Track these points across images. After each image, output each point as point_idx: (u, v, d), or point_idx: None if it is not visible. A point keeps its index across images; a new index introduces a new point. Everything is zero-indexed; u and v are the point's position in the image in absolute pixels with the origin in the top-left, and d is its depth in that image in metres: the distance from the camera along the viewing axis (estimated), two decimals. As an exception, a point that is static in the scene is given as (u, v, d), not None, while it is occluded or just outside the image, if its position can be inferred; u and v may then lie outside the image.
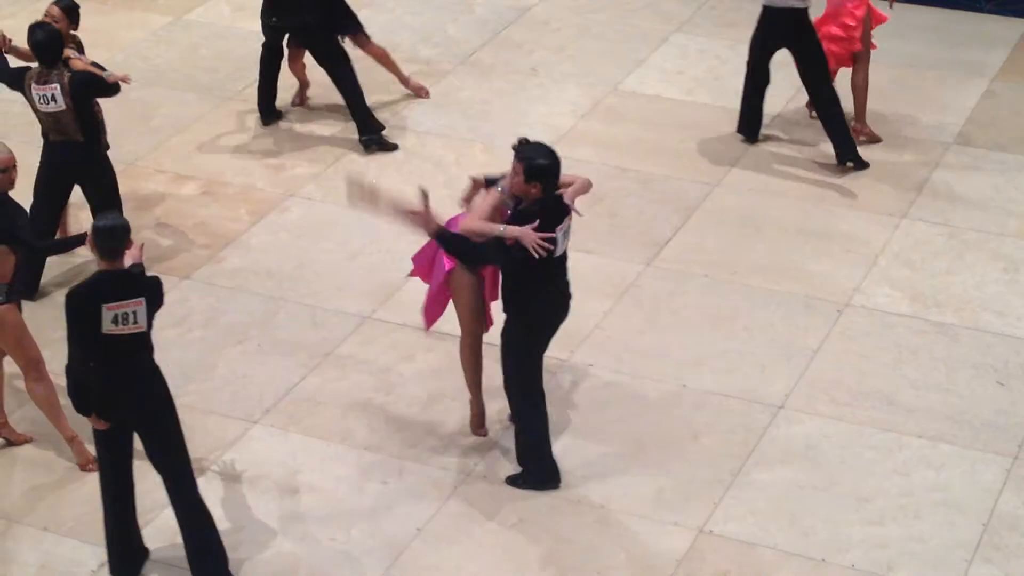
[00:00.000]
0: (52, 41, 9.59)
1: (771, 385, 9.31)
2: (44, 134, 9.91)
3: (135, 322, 7.45)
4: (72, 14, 10.13)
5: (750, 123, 11.71)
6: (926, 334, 9.73)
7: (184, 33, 13.44)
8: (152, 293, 7.55)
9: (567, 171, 10.02)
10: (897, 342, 9.66)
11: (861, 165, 11.41)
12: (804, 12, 11.10)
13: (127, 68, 12.24)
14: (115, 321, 7.41)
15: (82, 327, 7.44)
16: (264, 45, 11.82)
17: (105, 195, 10.04)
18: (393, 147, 11.68)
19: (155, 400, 7.68)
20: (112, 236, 7.41)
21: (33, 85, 9.61)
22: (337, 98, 11.99)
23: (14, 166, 8.49)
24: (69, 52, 10.03)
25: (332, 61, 11.63)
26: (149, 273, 7.76)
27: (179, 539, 8.00)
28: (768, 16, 11.24)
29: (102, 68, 10.00)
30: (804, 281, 10.22)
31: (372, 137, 11.67)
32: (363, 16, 12.82)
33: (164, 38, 13.36)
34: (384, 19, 13.63)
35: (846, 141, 11.41)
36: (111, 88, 9.78)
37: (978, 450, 8.81)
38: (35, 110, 9.77)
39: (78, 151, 9.82)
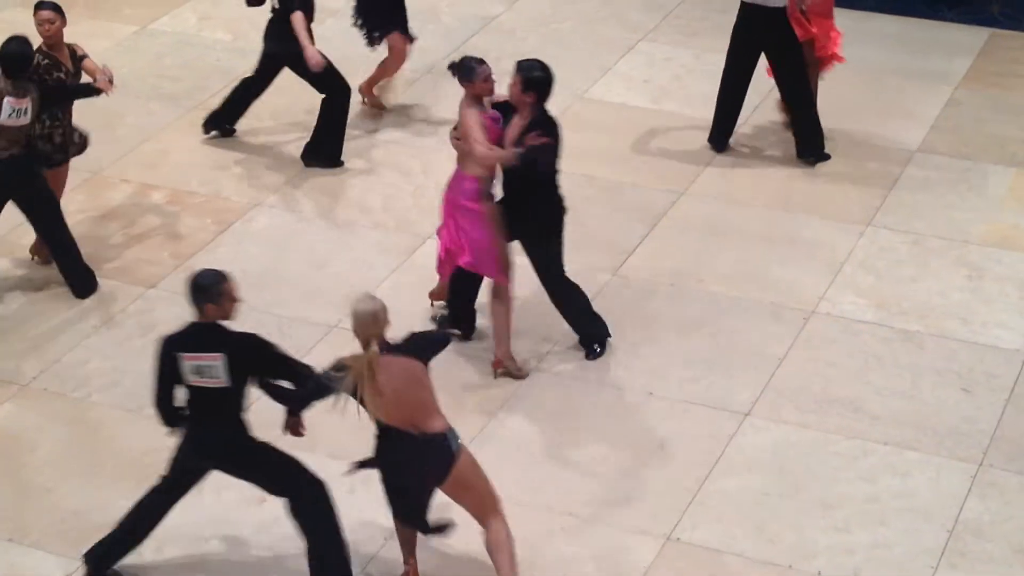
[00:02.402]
0: (26, 55, 9.57)
1: (737, 393, 9.33)
2: None
3: (214, 376, 7.47)
4: (62, 12, 10.11)
5: (719, 133, 11.71)
6: (891, 341, 9.77)
7: (149, 42, 13.40)
8: (238, 350, 7.51)
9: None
10: (862, 349, 9.70)
11: (823, 158, 11.51)
12: (782, 12, 11.11)
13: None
14: (195, 372, 7.50)
15: (166, 371, 7.61)
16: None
17: (38, 212, 9.95)
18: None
19: (235, 457, 7.75)
20: (192, 291, 7.51)
21: (8, 99, 9.49)
22: (301, 108, 12.00)
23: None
24: (80, 48, 10.14)
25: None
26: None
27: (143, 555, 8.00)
28: (746, 14, 11.23)
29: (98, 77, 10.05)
30: (770, 289, 10.25)
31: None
32: (328, 25, 12.83)
33: (129, 47, 13.33)
34: (350, 28, 13.61)
35: (810, 139, 11.48)
36: (73, 95, 9.98)
37: (943, 457, 8.85)
38: None
39: (5, 166, 9.70)
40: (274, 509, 8.44)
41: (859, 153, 11.76)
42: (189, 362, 7.50)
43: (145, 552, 8.17)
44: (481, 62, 9.23)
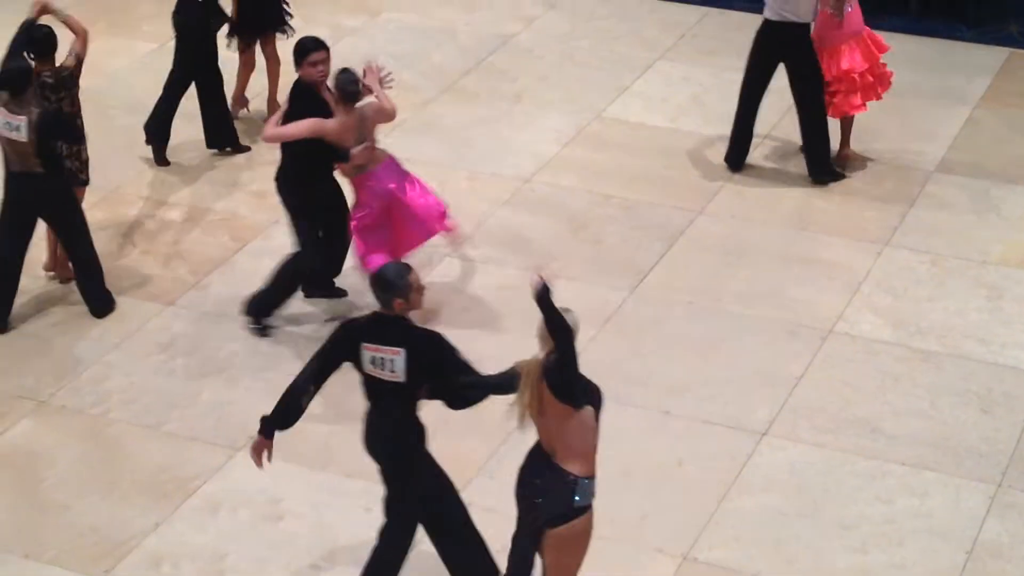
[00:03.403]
0: (22, 73, 9.66)
1: (755, 412, 9.32)
2: (6, 163, 9.86)
3: (392, 371, 7.37)
4: (37, 47, 10.02)
5: (736, 152, 11.72)
6: (909, 361, 9.75)
7: (169, 60, 13.37)
8: (419, 347, 7.37)
9: (553, 199, 9.95)
10: (880, 369, 9.68)
11: (837, 177, 11.53)
12: (806, 28, 11.14)
13: (111, 95, 12.25)
14: (373, 363, 7.39)
15: (333, 353, 7.48)
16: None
17: (67, 231, 10.05)
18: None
19: (395, 455, 7.62)
20: (382, 287, 7.38)
21: (2, 109, 9.60)
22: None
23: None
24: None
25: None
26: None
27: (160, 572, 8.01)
28: (767, 30, 11.27)
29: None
30: (787, 308, 10.23)
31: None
32: (346, 43, 12.84)
33: (149, 65, 13.35)
34: (367, 46, 13.64)
35: (823, 160, 11.49)
36: (77, 135, 10.02)
37: (961, 477, 8.82)
38: None
39: (38, 183, 9.80)
40: (289, 527, 8.45)
41: (877, 172, 11.74)
42: (368, 352, 7.38)
43: (163, 567, 8.17)
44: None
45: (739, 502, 8.65)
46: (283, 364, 9.69)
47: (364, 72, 9.67)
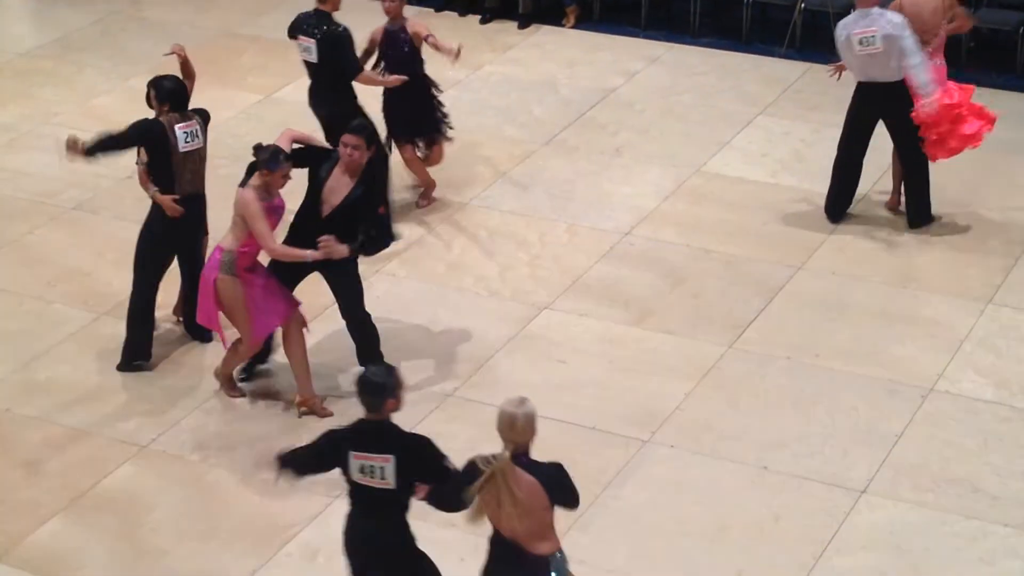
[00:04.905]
0: (180, 87, 10.01)
1: (853, 469, 9.24)
2: (176, 188, 9.97)
3: (382, 478, 7.28)
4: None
5: (837, 203, 11.70)
6: (1012, 421, 9.63)
7: (273, 111, 13.60)
8: (408, 453, 7.29)
9: (652, 252, 9.91)
10: (982, 428, 9.57)
11: (930, 220, 11.57)
12: (900, 84, 11.10)
13: (217, 145, 12.40)
14: (362, 471, 7.30)
15: (318, 461, 7.47)
16: None
17: (200, 253, 10.25)
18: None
19: (389, 563, 7.56)
20: (373, 390, 7.28)
21: (178, 127, 9.86)
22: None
23: None
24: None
25: None
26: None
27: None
28: (864, 90, 11.26)
29: None
30: (887, 365, 10.15)
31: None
32: (449, 96, 12.91)
33: (254, 115, 13.54)
34: (470, 99, 13.75)
35: (923, 208, 11.47)
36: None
37: (1064, 539, 8.69)
38: (165, 160, 9.86)
39: (201, 202, 10.15)
40: None
41: (980, 229, 11.64)
42: (357, 460, 7.29)
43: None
44: (287, 158, 9.48)
45: (836, 560, 8.56)
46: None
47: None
